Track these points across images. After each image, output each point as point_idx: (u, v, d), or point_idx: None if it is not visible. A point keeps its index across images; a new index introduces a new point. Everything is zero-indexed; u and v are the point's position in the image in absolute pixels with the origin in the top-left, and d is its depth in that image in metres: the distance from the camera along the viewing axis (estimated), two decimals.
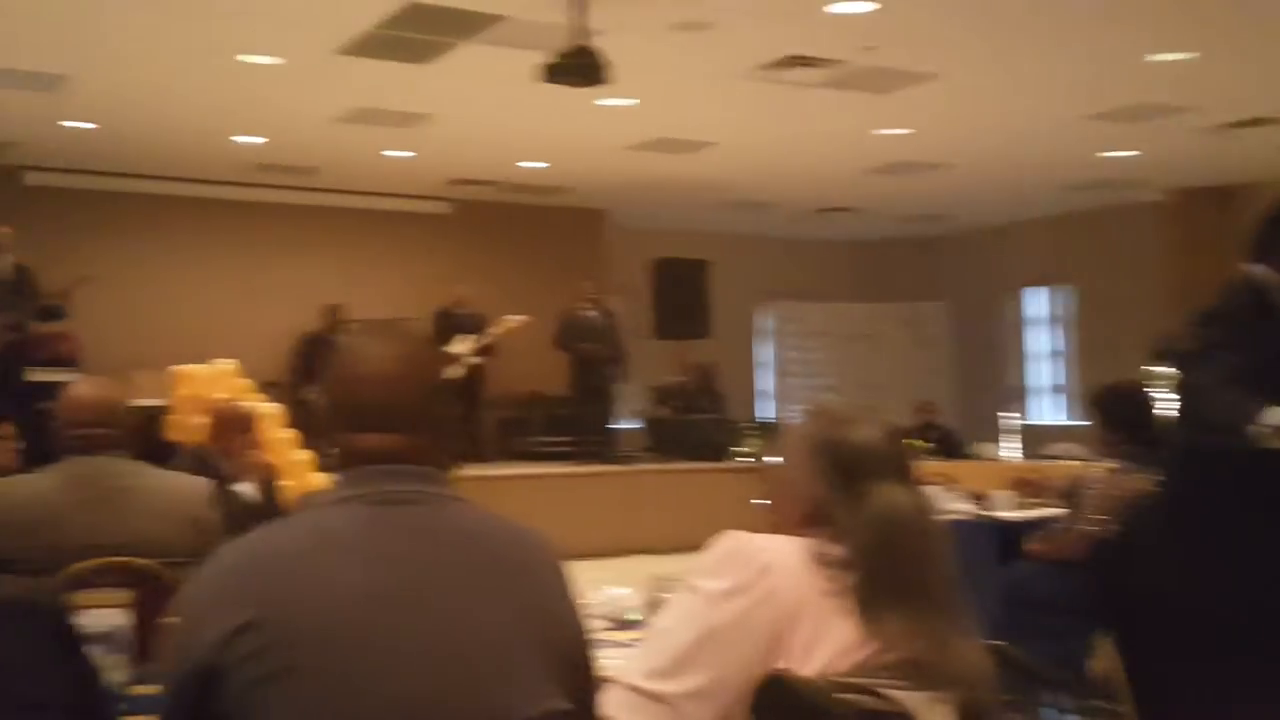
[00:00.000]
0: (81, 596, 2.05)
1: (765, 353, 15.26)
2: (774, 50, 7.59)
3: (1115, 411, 4.58)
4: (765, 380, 15.19)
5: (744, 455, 10.92)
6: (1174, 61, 7.84)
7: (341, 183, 11.67)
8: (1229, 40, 7.45)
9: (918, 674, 1.62)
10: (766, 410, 14.54)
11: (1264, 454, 2.49)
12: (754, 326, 15.12)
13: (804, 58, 7.72)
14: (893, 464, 1.78)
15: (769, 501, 1.90)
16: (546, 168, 11.17)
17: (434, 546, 1.52)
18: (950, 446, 10.44)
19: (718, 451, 11.12)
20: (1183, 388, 2.65)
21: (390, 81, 8.16)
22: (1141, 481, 4.37)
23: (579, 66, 6.55)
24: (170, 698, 1.50)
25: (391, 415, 1.57)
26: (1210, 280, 11.09)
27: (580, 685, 1.58)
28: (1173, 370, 8.38)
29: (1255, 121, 9.46)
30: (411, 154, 10.43)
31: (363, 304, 10.90)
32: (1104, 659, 4.56)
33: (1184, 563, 3.72)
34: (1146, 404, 4.72)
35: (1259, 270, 2.69)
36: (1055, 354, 14.26)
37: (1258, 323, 2.58)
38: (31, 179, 10.58)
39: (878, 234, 15.13)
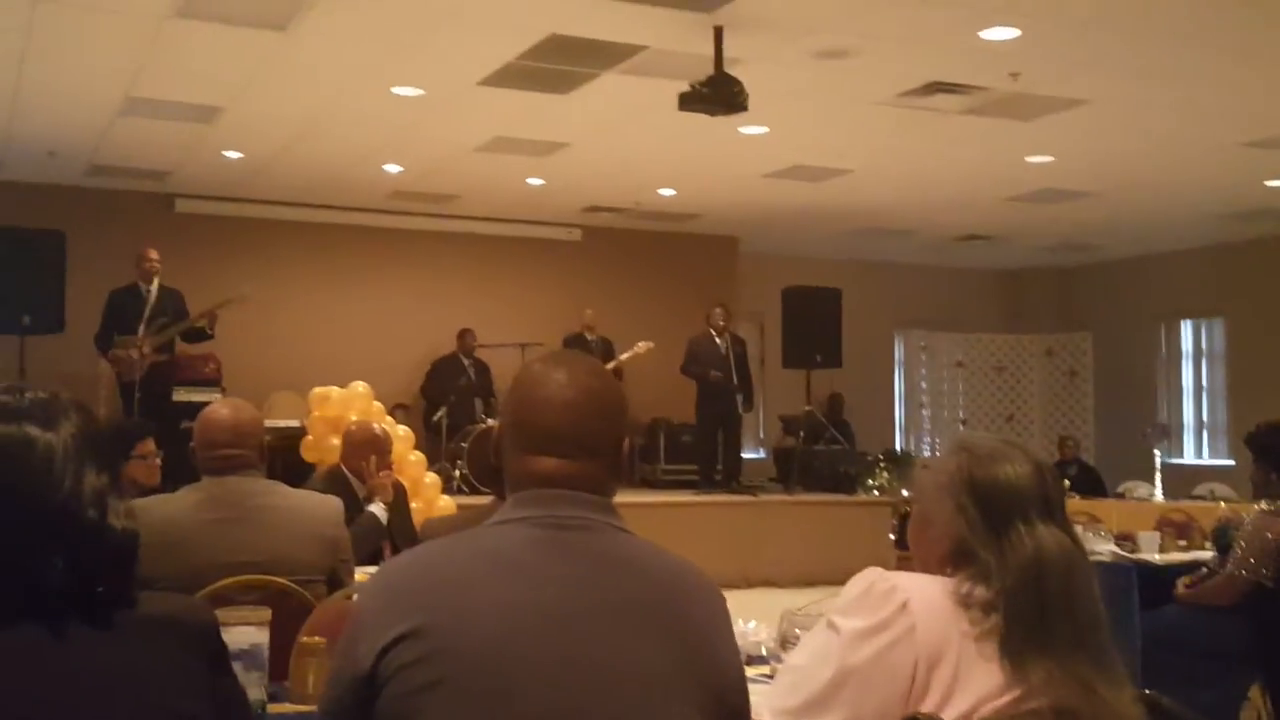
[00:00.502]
0: (220, 614, 2.08)
1: (899, 383, 15.01)
2: (916, 77, 7.48)
3: (1270, 450, 4.37)
4: (899, 411, 14.92)
5: (875, 488, 10.73)
6: None
7: (476, 210, 11.90)
8: None
9: None
10: (899, 442, 14.27)
11: None
12: (888, 356, 14.88)
13: (946, 84, 7.59)
14: (1041, 502, 1.71)
15: (910, 539, 1.85)
16: (676, 195, 11.20)
17: (598, 574, 1.52)
18: (1091, 484, 10.10)
19: (847, 483, 10.95)
20: None
21: (530, 111, 8.29)
22: None
23: (715, 95, 6.57)
24: (329, 704, 1.53)
25: (569, 441, 1.58)
26: None
27: None
28: None
29: None
30: (543, 181, 10.58)
31: (493, 329, 11.08)
32: (1257, 708, 4.34)
33: None
34: None
35: None
36: (1200, 389, 13.70)
37: None
38: (181, 206, 11.06)
39: (1019, 263, 14.77)
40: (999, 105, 8.01)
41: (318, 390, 7.50)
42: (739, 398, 10.58)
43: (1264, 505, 4.35)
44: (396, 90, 7.83)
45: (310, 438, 7.34)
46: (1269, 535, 4.20)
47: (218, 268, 10.46)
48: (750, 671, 2.49)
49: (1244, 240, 12.59)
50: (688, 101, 6.66)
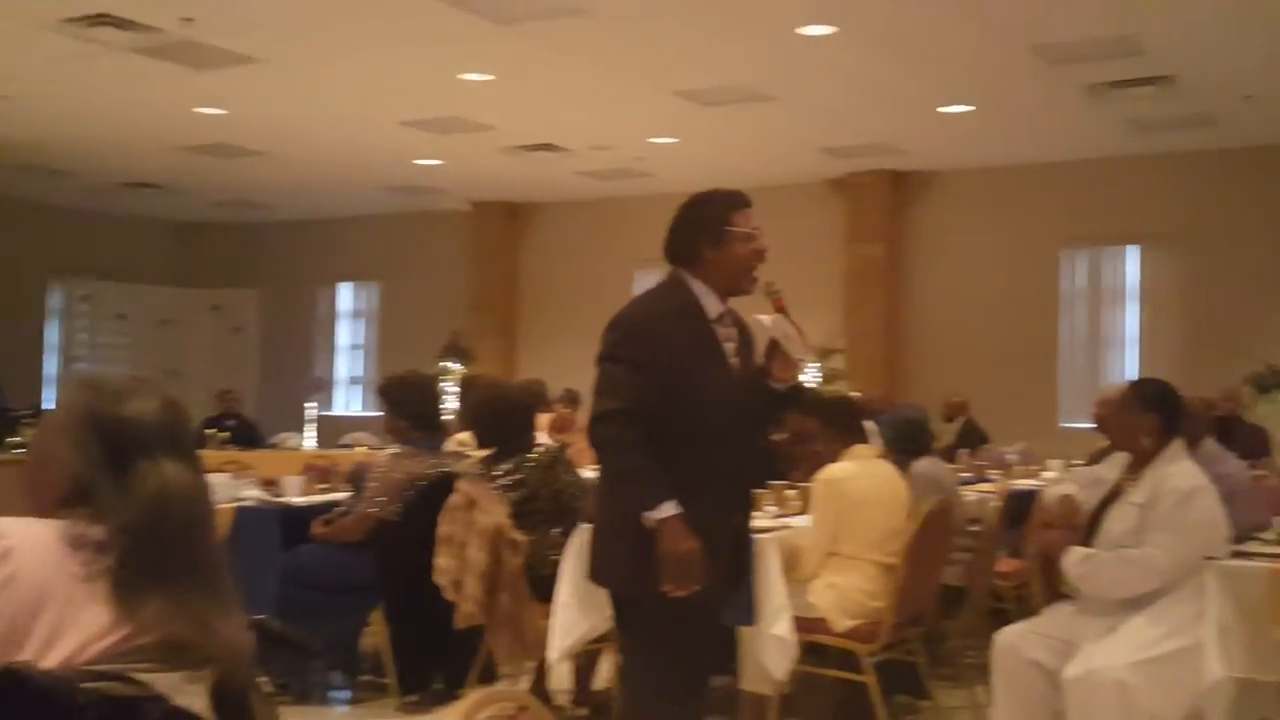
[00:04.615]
0: None
1: (54, 335, 14.06)
2: (83, 5, 7.01)
3: (401, 400, 4.83)
4: (53, 365, 13.98)
5: (18, 446, 9.86)
6: (481, 82, 8.48)
7: None
8: (525, 70, 8.23)
9: (174, 654, 1.56)
10: (51, 398, 13.30)
11: None
12: (40, 306, 13.85)
13: (115, 18, 7.20)
14: (169, 439, 1.69)
15: (25, 482, 1.72)
16: None
17: None
18: (249, 436, 10.32)
19: None
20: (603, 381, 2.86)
21: None
22: (422, 464, 4.66)
23: None
24: None
25: None
26: (499, 286, 12.23)
27: None
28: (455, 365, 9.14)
29: (544, 147, 10.56)
30: None
31: None
32: (376, 634, 4.80)
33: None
34: (431, 393, 5.03)
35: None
36: (357, 347, 14.85)
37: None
38: None
39: (191, 215, 14.57)
40: (171, 49, 7.81)
41: None
42: None
43: (396, 449, 4.80)
44: None
45: None
46: (398, 475, 4.64)
47: None
48: None
49: (400, 212, 13.80)
50: None
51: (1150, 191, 10.58)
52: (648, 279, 13.17)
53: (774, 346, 2.87)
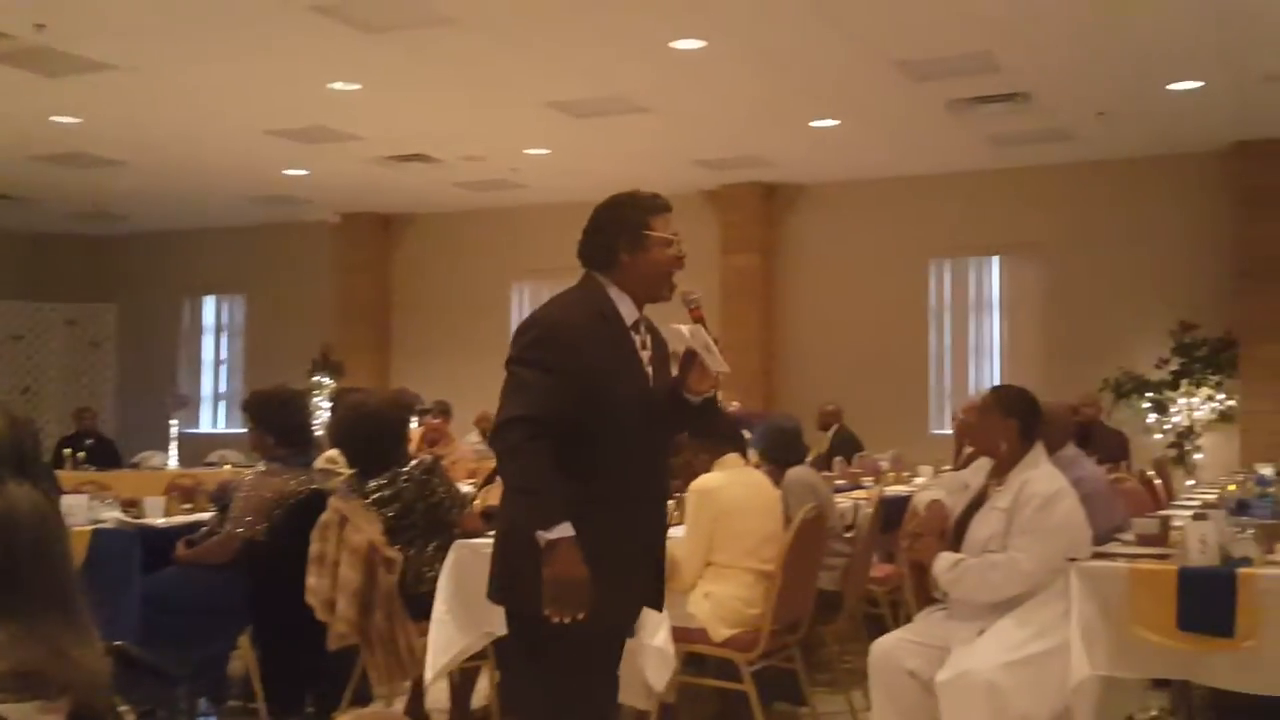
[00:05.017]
0: None
1: None
2: None
3: (267, 416, 4.68)
4: None
5: None
6: (349, 91, 8.33)
7: None
8: (394, 80, 8.11)
9: (27, 684, 1.48)
10: None
11: None
12: None
13: None
14: (13, 459, 1.60)
15: None
16: None
17: None
18: (108, 455, 9.96)
19: None
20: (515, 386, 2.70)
21: None
22: (291, 482, 4.53)
23: None
24: None
25: None
26: (371, 298, 12.05)
27: None
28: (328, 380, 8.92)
29: (415, 157, 10.43)
30: None
31: None
32: (244, 658, 4.65)
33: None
34: (298, 408, 4.90)
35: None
36: (222, 362, 14.46)
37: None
38: None
39: (44, 227, 13.97)
40: (23, 56, 7.50)
41: None
42: None
43: (262, 466, 4.65)
44: None
45: None
46: (265, 494, 4.49)
47: None
48: None
49: (266, 223, 13.47)
50: None
51: (1010, 204, 10.95)
52: (524, 290, 13.13)
53: (691, 357, 2.74)
